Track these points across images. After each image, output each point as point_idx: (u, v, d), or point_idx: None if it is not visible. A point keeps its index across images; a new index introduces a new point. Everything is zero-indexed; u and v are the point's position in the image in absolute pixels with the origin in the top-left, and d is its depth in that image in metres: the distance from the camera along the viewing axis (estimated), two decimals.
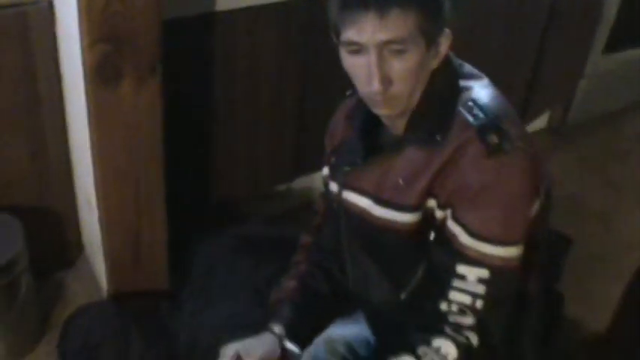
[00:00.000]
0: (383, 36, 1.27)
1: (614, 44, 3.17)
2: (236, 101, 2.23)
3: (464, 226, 1.35)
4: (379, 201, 1.44)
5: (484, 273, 1.35)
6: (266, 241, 2.05)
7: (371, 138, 1.49)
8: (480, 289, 1.36)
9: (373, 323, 1.60)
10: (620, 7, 3.07)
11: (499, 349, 1.45)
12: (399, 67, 1.30)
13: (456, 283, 1.37)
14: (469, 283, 1.36)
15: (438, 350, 1.38)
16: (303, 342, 1.60)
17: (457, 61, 1.44)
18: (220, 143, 2.26)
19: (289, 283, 1.65)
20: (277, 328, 1.59)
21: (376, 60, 1.29)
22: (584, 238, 2.62)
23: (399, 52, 1.29)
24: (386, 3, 1.25)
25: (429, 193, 1.38)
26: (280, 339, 1.58)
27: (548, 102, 3.16)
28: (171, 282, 2.11)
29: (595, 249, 2.60)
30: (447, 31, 1.34)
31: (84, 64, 1.64)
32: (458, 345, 1.38)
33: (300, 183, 2.62)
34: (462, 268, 1.36)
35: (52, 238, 2.24)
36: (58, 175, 2.14)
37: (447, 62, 1.40)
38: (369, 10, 1.25)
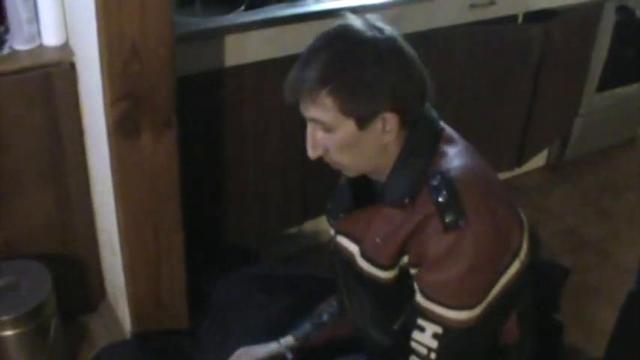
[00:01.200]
0: (311, 114, 1.44)
1: (607, 82, 3.22)
2: (245, 150, 2.31)
3: (420, 287, 1.49)
4: (363, 254, 1.56)
5: (438, 329, 1.47)
6: (278, 278, 2.10)
7: (362, 186, 1.60)
8: (434, 344, 1.48)
9: (372, 353, 1.69)
10: (610, 47, 3.12)
11: None
12: (328, 140, 1.46)
13: (415, 334, 1.51)
14: (425, 337, 1.49)
15: None
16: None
17: (438, 125, 1.53)
18: (231, 190, 2.34)
19: (320, 306, 1.80)
20: (283, 340, 1.76)
21: (309, 130, 1.48)
22: (582, 268, 2.71)
23: (327, 129, 1.44)
24: (311, 89, 1.39)
25: (403, 250, 1.50)
26: (283, 349, 1.74)
27: (546, 140, 3.20)
28: (191, 320, 2.17)
29: (593, 278, 2.69)
30: (386, 115, 1.42)
31: (106, 119, 1.74)
32: None
33: (309, 226, 2.69)
34: (420, 322, 1.49)
35: (77, 283, 2.31)
36: (81, 223, 2.22)
37: (427, 124, 1.51)
38: (303, 90, 1.41)
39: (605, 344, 2.09)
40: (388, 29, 1.44)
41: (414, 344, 1.52)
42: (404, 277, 1.53)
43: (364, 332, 1.68)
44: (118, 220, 1.91)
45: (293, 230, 2.68)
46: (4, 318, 1.98)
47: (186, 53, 1.96)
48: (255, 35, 2.15)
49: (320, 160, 1.53)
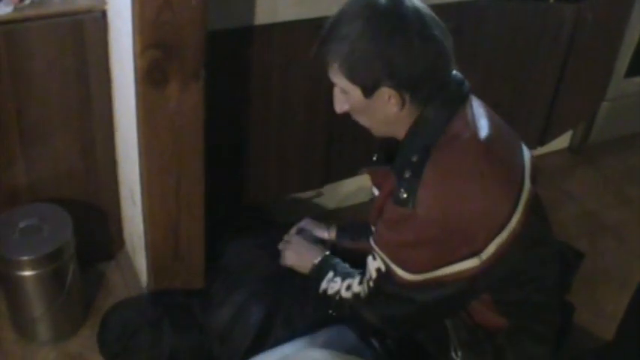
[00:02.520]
0: (331, 78, 1.58)
1: (636, 68, 3.21)
2: (269, 112, 2.31)
3: (374, 231, 1.69)
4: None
5: (382, 266, 1.63)
6: None
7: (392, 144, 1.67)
8: (374, 275, 1.66)
9: None
10: None
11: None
12: (346, 102, 1.60)
13: (369, 258, 1.68)
14: (372, 265, 1.66)
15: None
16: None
17: (454, 106, 1.57)
18: (254, 148, 2.35)
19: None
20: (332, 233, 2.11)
21: (335, 92, 1.62)
22: (597, 252, 2.72)
23: (343, 92, 1.58)
24: (327, 60, 1.54)
25: None
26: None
27: (570, 122, 3.19)
28: (206, 277, 2.20)
29: (607, 262, 2.70)
30: (385, 89, 1.52)
31: (135, 68, 1.75)
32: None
33: (329, 190, 2.71)
34: (375, 251, 1.66)
35: (96, 231, 2.35)
36: (104, 172, 2.24)
37: (442, 103, 1.56)
38: (323, 60, 1.55)
39: (615, 328, 2.12)
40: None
41: (367, 264, 1.69)
42: None
43: None
44: (141, 169, 1.93)
45: (312, 193, 2.69)
46: (24, 258, 2.02)
47: (216, 8, 1.94)
48: None
49: (346, 124, 1.67)
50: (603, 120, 3.32)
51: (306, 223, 2.16)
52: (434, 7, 1.52)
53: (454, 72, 1.60)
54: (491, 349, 1.67)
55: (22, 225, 2.07)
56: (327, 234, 2.13)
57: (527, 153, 1.69)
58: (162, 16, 1.68)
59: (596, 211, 2.99)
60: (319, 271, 1.92)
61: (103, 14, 1.99)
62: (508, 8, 2.58)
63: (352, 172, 2.57)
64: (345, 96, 1.58)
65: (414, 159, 1.53)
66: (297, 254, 2.02)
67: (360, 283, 1.75)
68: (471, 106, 1.61)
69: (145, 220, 2.03)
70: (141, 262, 2.24)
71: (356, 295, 1.75)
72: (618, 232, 2.88)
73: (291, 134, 2.40)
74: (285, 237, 2.12)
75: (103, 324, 2.16)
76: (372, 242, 1.66)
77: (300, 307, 1.98)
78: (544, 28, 2.70)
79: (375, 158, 1.78)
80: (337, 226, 2.14)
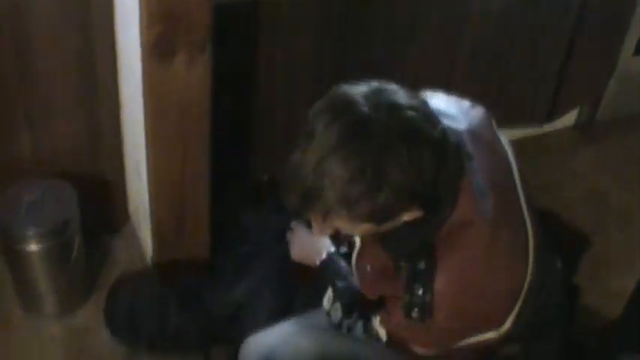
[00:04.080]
0: (319, 222, 1.35)
1: None
2: (274, 88, 2.30)
3: (381, 315, 1.56)
4: (356, 261, 1.60)
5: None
6: None
7: None
8: (382, 333, 1.57)
9: None
10: None
11: None
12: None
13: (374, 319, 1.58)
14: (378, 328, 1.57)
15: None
16: None
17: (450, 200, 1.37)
18: (261, 121, 2.34)
19: None
20: None
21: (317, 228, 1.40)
22: (602, 232, 2.71)
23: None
24: (327, 209, 1.27)
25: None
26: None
27: (577, 100, 3.17)
28: (211, 252, 2.19)
29: (612, 242, 2.68)
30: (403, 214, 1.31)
31: (141, 41, 1.73)
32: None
33: None
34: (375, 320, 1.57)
35: (101, 204, 2.35)
36: (110, 145, 2.24)
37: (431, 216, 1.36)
38: (314, 206, 1.29)
39: (622, 307, 2.13)
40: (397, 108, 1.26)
41: (375, 322, 1.58)
42: None
43: None
44: (147, 143, 1.92)
45: None
46: (30, 233, 2.02)
47: None
48: None
49: None
50: (611, 98, 3.28)
51: None
52: None
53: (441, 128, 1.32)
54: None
55: (27, 200, 2.06)
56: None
57: (512, 160, 1.52)
58: None
59: (601, 191, 2.97)
60: (322, 275, 1.78)
61: None
62: None
63: None
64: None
65: (421, 266, 1.37)
66: (301, 249, 1.88)
67: (365, 330, 1.65)
68: (469, 165, 1.40)
69: (150, 194, 2.03)
70: (146, 235, 2.24)
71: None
72: (624, 212, 2.86)
73: (299, 104, 2.36)
74: (293, 224, 1.94)
75: (110, 300, 2.15)
76: (376, 321, 1.56)
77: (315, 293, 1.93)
78: (553, 0, 2.67)
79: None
80: None
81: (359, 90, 1.28)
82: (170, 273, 2.19)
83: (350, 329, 1.68)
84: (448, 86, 1.59)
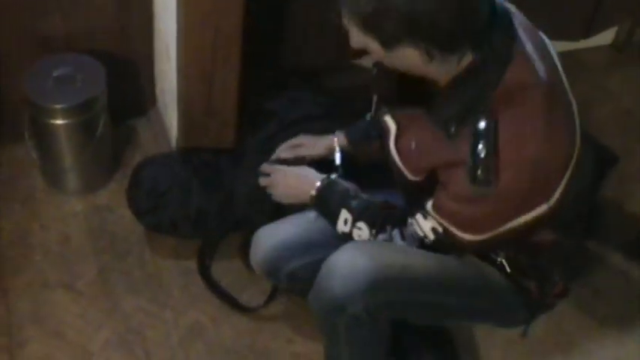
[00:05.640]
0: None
1: None
2: None
3: (435, 201, 1.51)
4: (396, 142, 1.56)
5: (438, 228, 1.51)
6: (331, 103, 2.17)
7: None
8: (431, 235, 1.54)
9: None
10: None
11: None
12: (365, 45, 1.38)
13: (419, 216, 1.54)
14: (426, 224, 1.53)
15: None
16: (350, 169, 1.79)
17: (500, 57, 1.38)
18: (297, 10, 2.29)
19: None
20: (340, 137, 1.85)
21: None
22: (630, 151, 2.68)
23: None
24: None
25: (433, 170, 1.50)
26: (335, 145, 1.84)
27: (617, 15, 3.07)
28: (237, 135, 2.17)
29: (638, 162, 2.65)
30: (403, 45, 1.32)
31: None
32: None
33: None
34: (429, 210, 1.52)
35: (129, 85, 2.35)
36: (139, 26, 2.22)
37: (486, 58, 1.37)
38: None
39: None
40: None
41: (416, 222, 1.55)
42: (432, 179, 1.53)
43: None
44: (179, 22, 1.89)
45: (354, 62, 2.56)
46: (57, 107, 2.04)
47: None
48: None
49: None
50: None
51: (302, 139, 1.93)
52: None
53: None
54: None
55: (56, 74, 2.07)
56: (334, 140, 1.89)
57: (552, 50, 1.52)
58: None
59: (633, 111, 2.92)
60: (324, 203, 1.70)
61: None
62: None
63: None
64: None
65: (481, 126, 1.36)
66: (288, 188, 1.79)
67: (403, 238, 1.60)
68: (520, 37, 1.42)
69: (179, 74, 2.01)
70: (172, 118, 2.24)
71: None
72: None
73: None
74: (263, 167, 1.87)
75: (133, 180, 2.13)
76: (429, 208, 1.52)
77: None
78: None
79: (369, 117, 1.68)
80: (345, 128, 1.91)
81: None
82: (194, 155, 2.17)
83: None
84: None
